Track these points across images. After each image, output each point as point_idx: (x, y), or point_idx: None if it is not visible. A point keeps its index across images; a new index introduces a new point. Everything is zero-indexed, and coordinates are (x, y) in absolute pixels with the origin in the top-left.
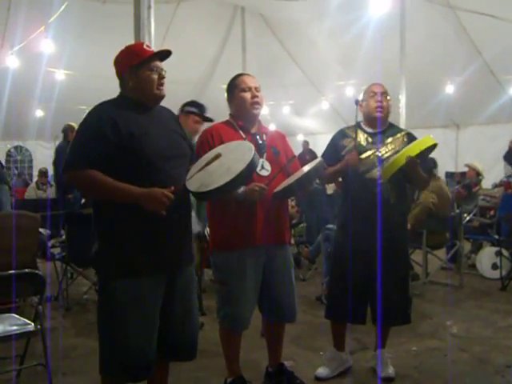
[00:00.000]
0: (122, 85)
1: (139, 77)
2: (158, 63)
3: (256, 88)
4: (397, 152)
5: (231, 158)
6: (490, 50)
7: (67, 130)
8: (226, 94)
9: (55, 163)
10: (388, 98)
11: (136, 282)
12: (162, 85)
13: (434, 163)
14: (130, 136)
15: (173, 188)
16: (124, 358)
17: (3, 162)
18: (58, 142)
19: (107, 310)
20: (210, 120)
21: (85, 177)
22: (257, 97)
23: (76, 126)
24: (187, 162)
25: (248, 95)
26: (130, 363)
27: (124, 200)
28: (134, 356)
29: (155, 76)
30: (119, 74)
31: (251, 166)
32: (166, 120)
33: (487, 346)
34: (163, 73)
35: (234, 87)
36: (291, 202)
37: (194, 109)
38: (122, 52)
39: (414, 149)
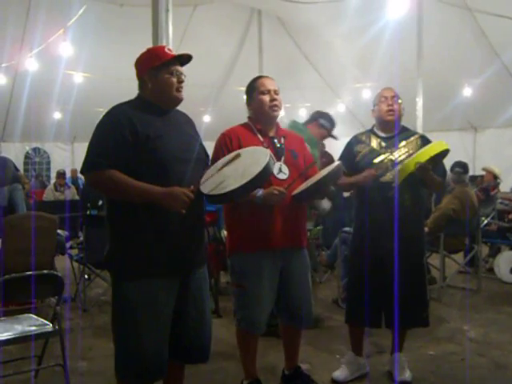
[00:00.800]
0: (140, 86)
1: (158, 79)
2: (178, 67)
3: (275, 91)
4: (410, 155)
5: (247, 163)
6: (509, 52)
7: None
8: (244, 97)
9: None
10: (399, 101)
11: (149, 283)
12: (180, 88)
13: (464, 168)
14: (146, 138)
15: (192, 187)
16: (136, 359)
17: (21, 164)
18: (75, 144)
19: (120, 311)
20: (334, 138)
21: (106, 177)
22: (276, 100)
23: None
24: (202, 165)
25: (267, 98)
26: (143, 365)
27: (144, 199)
28: (147, 358)
29: (174, 79)
30: (139, 75)
31: (266, 170)
32: (181, 123)
33: (505, 350)
34: (183, 77)
35: (253, 89)
36: None
37: (328, 125)
38: (143, 54)
39: (423, 155)
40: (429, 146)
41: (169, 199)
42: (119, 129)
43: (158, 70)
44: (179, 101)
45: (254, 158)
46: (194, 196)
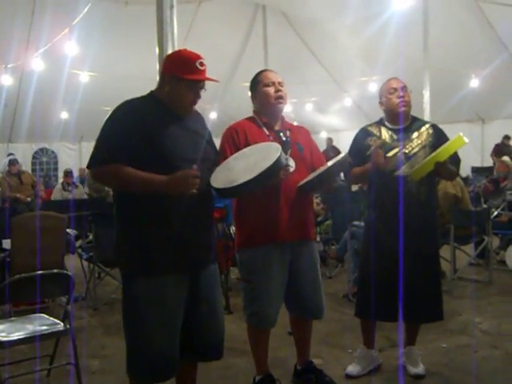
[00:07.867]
0: (160, 83)
1: (177, 88)
2: (201, 84)
3: (279, 83)
4: (424, 147)
5: (258, 158)
6: None
7: None
8: (249, 92)
9: None
10: (409, 91)
11: (158, 280)
12: (195, 103)
13: None
14: (155, 137)
15: (195, 166)
16: (146, 357)
17: (29, 164)
18: (82, 144)
19: (129, 308)
20: None
21: (112, 170)
22: (280, 91)
23: None
24: (211, 165)
25: (271, 90)
26: (153, 363)
27: (152, 189)
28: (156, 355)
29: (192, 95)
30: (162, 72)
31: (277, 165)
32: (191, 123)
33: None
34: (201, 92)
35: (258, 83)
36: (316, 199)
37: None
38: (176, 54)
39: (443, 154)
40: (448, 143)
41: (175, 184)
42: (127, 124)
43: (182, 80)
44: (190, 112)
45: (265, 153)
46: (204, 194)
